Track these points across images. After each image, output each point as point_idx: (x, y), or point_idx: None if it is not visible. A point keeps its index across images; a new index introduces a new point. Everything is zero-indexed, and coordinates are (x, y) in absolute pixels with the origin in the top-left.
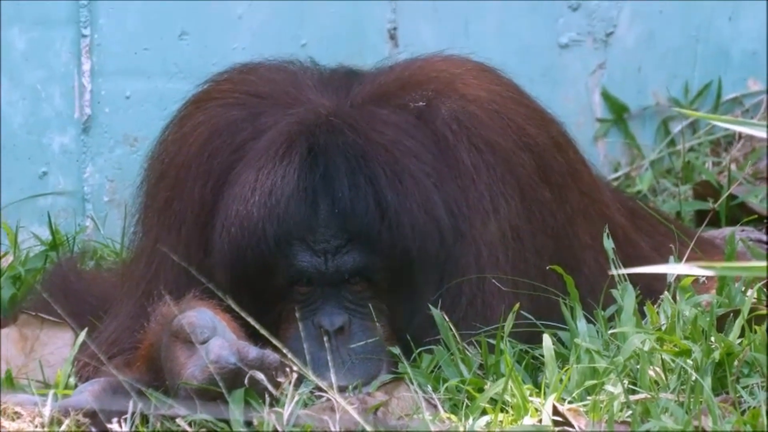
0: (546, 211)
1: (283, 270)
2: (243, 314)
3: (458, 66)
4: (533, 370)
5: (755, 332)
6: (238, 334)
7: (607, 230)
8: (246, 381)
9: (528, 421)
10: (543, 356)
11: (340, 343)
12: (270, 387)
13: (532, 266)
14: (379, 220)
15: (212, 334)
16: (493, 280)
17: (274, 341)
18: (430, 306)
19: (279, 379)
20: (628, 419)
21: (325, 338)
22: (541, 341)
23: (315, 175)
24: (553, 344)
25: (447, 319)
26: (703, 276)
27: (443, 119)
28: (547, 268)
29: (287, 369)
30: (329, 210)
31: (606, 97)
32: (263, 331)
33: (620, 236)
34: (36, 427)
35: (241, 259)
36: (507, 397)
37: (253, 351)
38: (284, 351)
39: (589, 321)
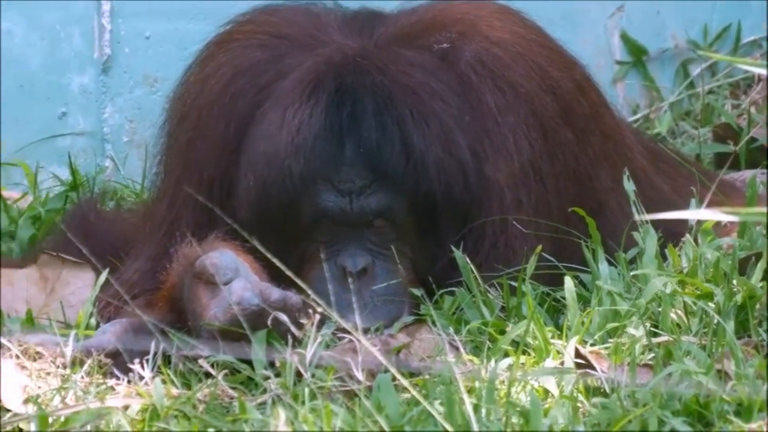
0: (569, 153)
1: (307, 209)
2: (267, 254)
3: (481, 8)
4: (555, 312)
5: None
6: (260, 275)
7: (627, 173)
8: (269, 322)
9: (550, 363)
10: (565, 299)
11: (362, 285)
12: (293, 328)
13: (555, 209)
14: (404, 161)
15: (235, 276)
16: (516, 223)
17: (299, 282)
18: (452, 248)
19: (301, 321)
20: (651, 362)
21: (349, 279)
22: (562, 284)
23: (342, 114)
24: (575, 287)
25: (469, 262)
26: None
27: (467, 61)
28: (569, 210)
29: (310, 310)
30: (355, 150)
31: (625, 39)
32: (287, 272)
33: (642, 179)
34: (58, 367)
35: (266, 196)
36: (529, 340)
37: (275, 292)
38: (307, 292)
39: (610, 264)
